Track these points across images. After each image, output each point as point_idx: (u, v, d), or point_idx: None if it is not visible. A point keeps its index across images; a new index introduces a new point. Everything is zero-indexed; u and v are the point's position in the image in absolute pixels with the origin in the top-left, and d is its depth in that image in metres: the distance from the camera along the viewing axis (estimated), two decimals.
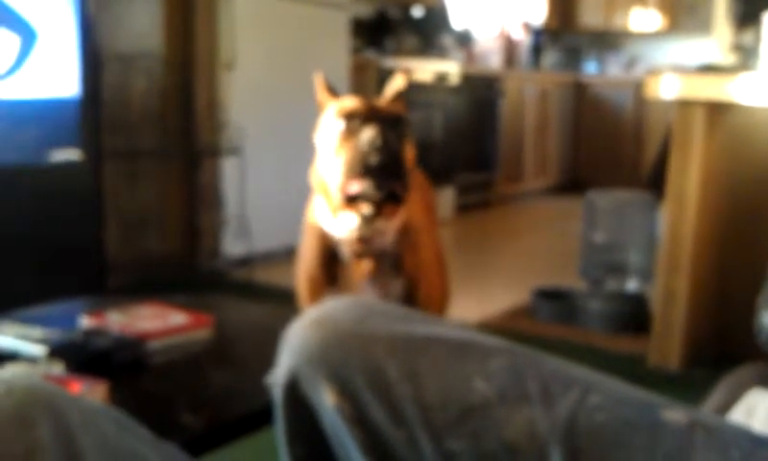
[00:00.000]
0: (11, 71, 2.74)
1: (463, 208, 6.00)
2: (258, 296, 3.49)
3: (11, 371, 0.72)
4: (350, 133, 1.34)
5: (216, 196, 3.93)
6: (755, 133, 2.81)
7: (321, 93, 1.46)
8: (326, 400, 0.78)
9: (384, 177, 1.31)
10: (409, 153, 1.39)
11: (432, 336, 0.79)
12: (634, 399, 0.72)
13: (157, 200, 3.88)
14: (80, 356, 1.25)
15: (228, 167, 3.92)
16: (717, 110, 2.69)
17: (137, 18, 3.71)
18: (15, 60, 2.75)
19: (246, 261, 3.94)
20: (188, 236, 3.98)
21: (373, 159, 1.30)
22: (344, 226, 1.38)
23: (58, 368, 1.18)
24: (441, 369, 0.76)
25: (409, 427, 0.74)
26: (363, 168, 1.30)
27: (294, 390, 0.81)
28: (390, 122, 1.35)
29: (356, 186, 1.32)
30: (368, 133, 1.31)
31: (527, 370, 0.74)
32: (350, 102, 1.39)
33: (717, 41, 6.53)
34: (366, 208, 1.33)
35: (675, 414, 0.69)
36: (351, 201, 1.34)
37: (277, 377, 0.83)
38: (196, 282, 3.79)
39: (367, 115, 1.35)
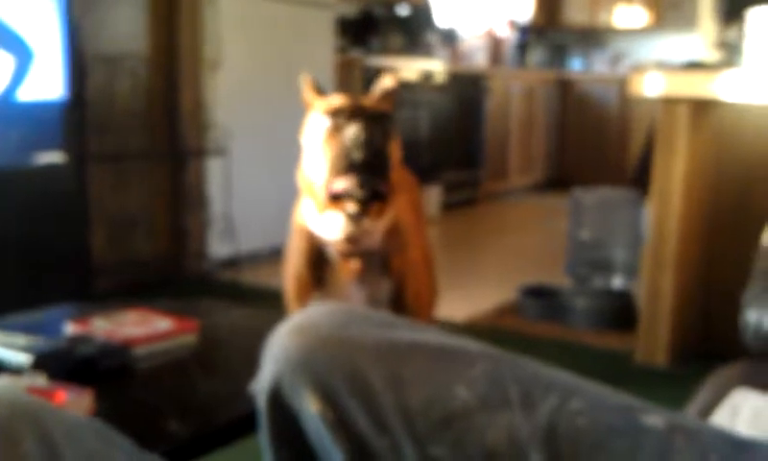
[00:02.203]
0: (7, 93, 2.72)
1: (449, 206, 6.01)
2: (245, 297, 3.48)
3: None
4: (336, 129, 1.34)
5: (202, 197, 3.92)
6: (739, 129, 2.82)
7: (307, 93, 1.46)
8: (310, 407, 0.78)
9: (368, 174, 1.31)
10: (395, 151, 1.39)
11: (415, 343, 0.79)
12: (614, 403, 0.73)
13: (143, 201, 3.87)
14: (65, 364, 1.25)
15: (214, 168, 3.91)
16: (702, 107, 2.70)
17: (121, 20, 3.70)
18: (11, 81, 2.73)
19: (232, 262, 3.93)
20: (174, 238, 3.97)
21: (357, 155, 1.30)
22: (330, 225, 1.38)
23: (41, 380, 1.18)
24: (423, 376, 0.76)
25: (392, 434, 0.74)
26: (347, 164, 1.30)
27: (277, 397, 0.81)
28: (375, 119, 1.35)
29: (341, 184, 1.32)
30: (352, 130, 1.31)
31: (508, 375, 0.74)
32: (336, 100, 1.39)
33: (702, 38, 6.56)
34: (351, 207, 1.33)
35: (655, 418, 0.70)
36: (336, 199, 1.34)
37: (261, 385, 0.83)
38: (182, 284, 3.78)
39: (352, 112, 1.35)
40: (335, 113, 1.36)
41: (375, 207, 1.35)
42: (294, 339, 0.81)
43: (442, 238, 5.17)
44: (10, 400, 0.70)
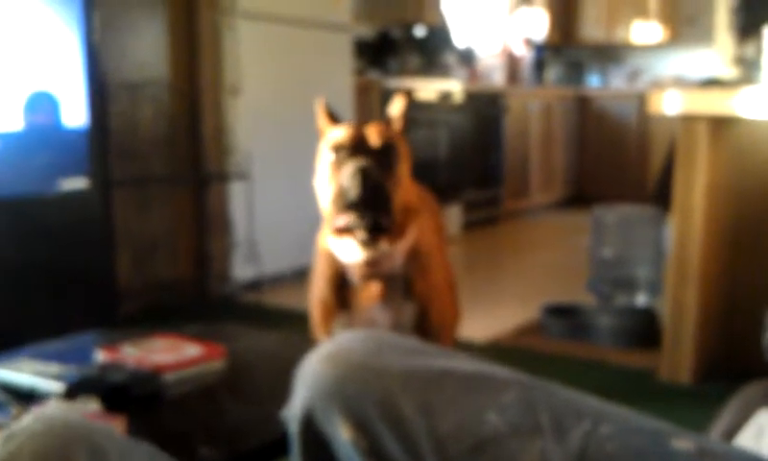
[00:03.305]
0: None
1: (470, 225, 6.01)
2: (268, 319, 3.50)
3: (50, 407, 0.75)
4: (337, 165, 1.38)
5: (225, 220, 3.95)
6: (759, 145, 2.82)
7: (320, 120, 1.49)
8: (342, 434, 0.79)
9: (366, 210, 1.35)
10: (404, 176, 1.41)
11: (445, 370, 0.80)
12: (644, 428, 0.73)
13: (167, 226, 3.91)
14: (97, 392, 1.26)
15: (237, 192, 3.95)
16: (721, 124, 2.70)
17: (143, 47, 3.75)
18: None
19: (255, 285, 3.96)
20: (198, 261, 4.00)
21: (353, 194, 1.34)
22: (348, 250, 1.41)
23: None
24: (454, 402, 0.77)
25: None
26: (345, 203, 1.35)
27: (309, 424, 0.82)
28: (377, 153, 1.38)
29: (342, 221, 1.36)
30: (349, 169, 1.35)
31: (539, 402, 0.75)
32: (341, 132, 1.42)
33: (719, 53, 6.55)
34: (359, 234, 1.36)
35: (684, 442, 0.70)
36: (343, 231, 1.38)
37: (293, 411, 0.85)
38: (206, 307, 3.81)
39: (354, 147, 1.38)
40: (337, 149, 1.39)
41: (382, 237, 1.38)
42: (326, 366, 0.82)
43: (463, 257, 5.18)
44: (65, 422, 0.73)
